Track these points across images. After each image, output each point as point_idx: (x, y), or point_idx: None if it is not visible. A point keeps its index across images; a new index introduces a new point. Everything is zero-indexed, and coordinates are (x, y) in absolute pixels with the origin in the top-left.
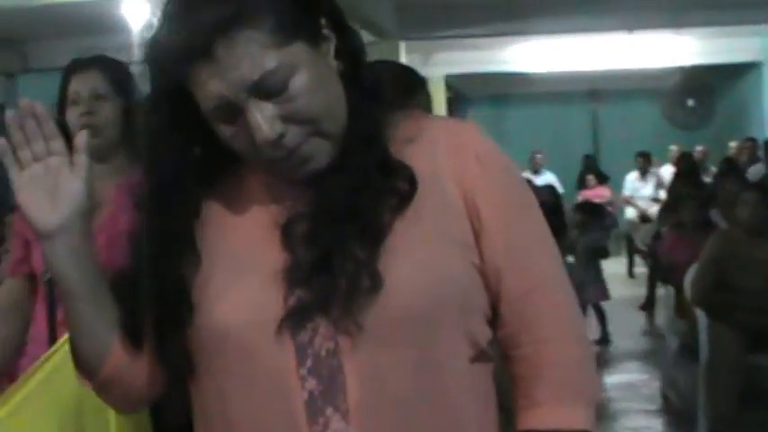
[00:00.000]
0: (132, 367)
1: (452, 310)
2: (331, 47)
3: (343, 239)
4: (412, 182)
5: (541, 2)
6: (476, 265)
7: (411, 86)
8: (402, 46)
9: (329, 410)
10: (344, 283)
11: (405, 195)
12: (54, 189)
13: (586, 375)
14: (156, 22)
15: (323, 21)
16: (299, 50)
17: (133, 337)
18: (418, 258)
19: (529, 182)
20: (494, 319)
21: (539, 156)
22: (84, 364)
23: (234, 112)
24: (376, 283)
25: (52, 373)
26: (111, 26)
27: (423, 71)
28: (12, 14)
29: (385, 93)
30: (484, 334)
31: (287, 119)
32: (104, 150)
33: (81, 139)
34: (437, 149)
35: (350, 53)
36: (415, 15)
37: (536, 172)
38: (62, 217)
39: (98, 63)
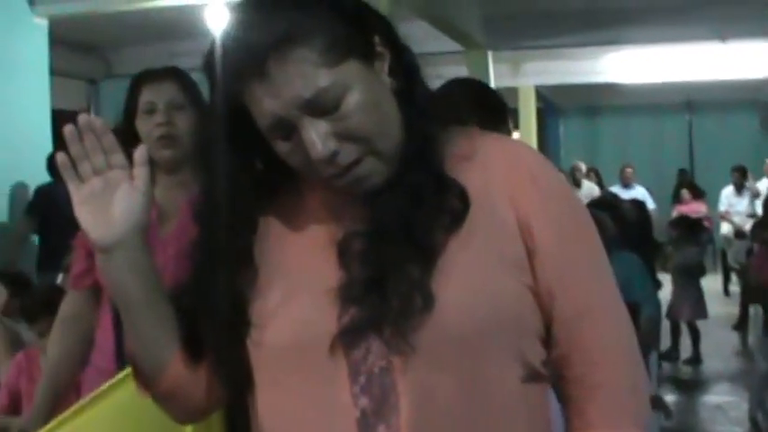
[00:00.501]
0: (191, 379)
1: (503, 331)
2: (385, 64)
3: (397, 259)
4: (465, 200)
5: (633, 11)
6: (528, 286)
7: (493, 108)
8: (490, 56)
9: (381, 428)
10: (397, 303)
11: (457, 214)
12: (113, 204)
13: (638, 400)
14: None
15: (376, 39)
16: (352, 69)
17: (193, 349)
18: (470, 279)
19: (615, 196)
20: (547, 339)
21: (629, 170)
22: (143, 376)
23: (289, 129)
24: (428, 304)
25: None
26: (192, 32)
27: (512, 81)
28: (95, 21)
29: (441, 110)
30: (536, 354)
31: (341, 137)
32: (178, 161)
33: (141, 152)
34: (492, 168)
35: (404, 70)
36: (503, 25)
37: (626, 186)
38: (120, 232)
39: (172, 73)
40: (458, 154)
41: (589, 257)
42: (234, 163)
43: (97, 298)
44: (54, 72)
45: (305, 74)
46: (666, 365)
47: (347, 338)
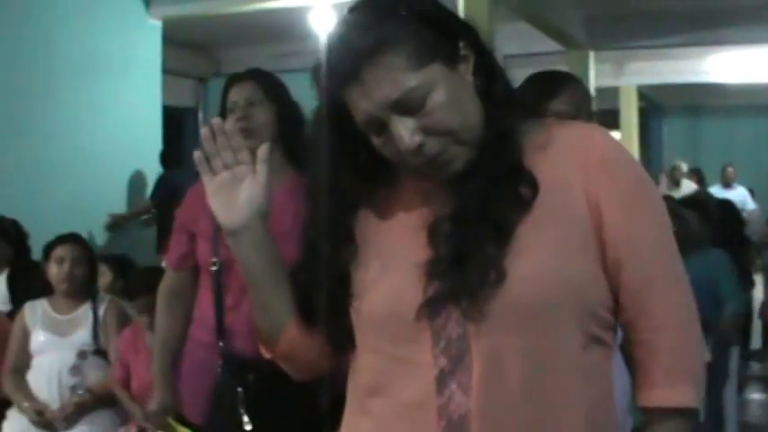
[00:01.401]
0: (305, 342)
1: (566, 303)
2: (469, 66)
3: (475, 240)
4: (535, 187)
5: (738, 11)
6: (596, 262)
7: (551, 89)
8: (591, 55)
9: (454, 385)
10: (474, 278)
11: (527, 200)
12: (238, 194)
13: (696, 360)
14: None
15: (461, 44)
16: (435, 71)
17: (306, 317)
18: (538, 257)
19: (704, 195)
20: (615, 307)
21: (730, 169)
22: (265, 338)
23: (381, 125)
24: (500, 278)
25: None
26: (298, 33)
27: (615, 81)
28: (205, 22)
29: (520, 105)
30: (599, 322)
31: (426, 131)
32: None
33: (263, 150)
34: (565, 155)
35: (487, 71)
36: (605, 25)
37: (727, 186)
38: (244, 217)
39: (252, 74)
40: (535, 144)
41: (654, 232)
42: (338, 155)
43: (196, 278)
44: (166, 70)
45: (393, 78)
46: (756, 365)
47: (430, 308)
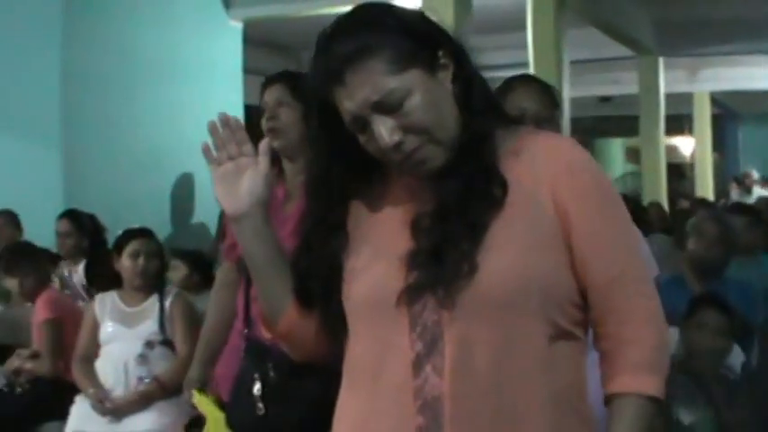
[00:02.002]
0: (303, 324)
1: (533, 296)
2: (449, 73)
3: (451, 235)
4: (505, 189)
5: None
6: (563, 260)
7: (554, 102)
8: (661, 62)
9: (429, 368)
10: (449, 269)
11: (498, 200)
12: (241, 183)
13: (661, 355)
14: None
15: (441, 53)
16: (414, 76)
17: (304, 301)
18: (508, 253)
19: (754, 204)
20: (584, 304)
21: None
22: (266, 319)
23: (364, 124)
24: (473, 270)
25: None
26: None
27: (687, 87)
28: (285, 23)
29: (497, 113)
30: (567, 316)
31: (404, 129)
32: (289, 150)
33: (264, 145)
34: (536, 161)
35: (466, 79)
36: (675, 32)
37: None
38: (246, 205)
39: (282, 76)
40: (509, 150)
41: (618, 234)
42: (329, 152)
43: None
44: (247, 70)
45: (374, 81)
46: None
47: (409, 295)
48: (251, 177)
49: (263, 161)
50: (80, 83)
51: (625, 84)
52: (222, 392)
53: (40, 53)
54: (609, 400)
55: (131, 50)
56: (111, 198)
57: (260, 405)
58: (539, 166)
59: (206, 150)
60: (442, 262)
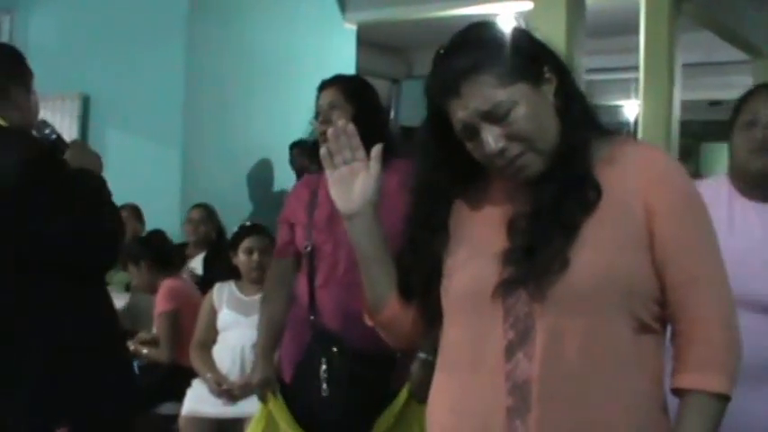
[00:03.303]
0: (402, 315)
1: (619, 292)
2: (552, 87)
3: (545, 234)
4: (598, 193)
5: None
6: (647, 259)
7: None
8: None
9: (520, 354)
10: (541, 265)
11: (592, 203)
12: (354, 185)
13: (730, 356)
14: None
15: (545, 68)
16: (520, 89)
17: (405, 293)
18: (597, 252)
19: None
20: (663, 300)
21: None
22: (369, 308)
23: (473, 132)
24: (564, 266)
25: None
26: None
27: None
28: (399, 26)
29: (595, 124)
30: (648, 311)
31: (509, 137)
32: None
33: (376, 150)
34: (630, 169)
35: (567, 93)
36: None
37: None
38: (358, 205)
39: (336, 80)
40: (604, 158)
41: (699, 239)
42: (434, 156)
43: (297, 265)
44: (361, 72)
45: (485, 93)
46: None
47: (504, 289)
48: (363, 180)
49: (375, 165)
50: (200, 83)
51: (737, 88)
52: (284, 374)
53: (164, 54)
54: (677, 395)
55: (250, 52)
56: (225, 195)
57: (324, 386)
58: (632, 173)
59: (324, 156)
60: (534, 258)
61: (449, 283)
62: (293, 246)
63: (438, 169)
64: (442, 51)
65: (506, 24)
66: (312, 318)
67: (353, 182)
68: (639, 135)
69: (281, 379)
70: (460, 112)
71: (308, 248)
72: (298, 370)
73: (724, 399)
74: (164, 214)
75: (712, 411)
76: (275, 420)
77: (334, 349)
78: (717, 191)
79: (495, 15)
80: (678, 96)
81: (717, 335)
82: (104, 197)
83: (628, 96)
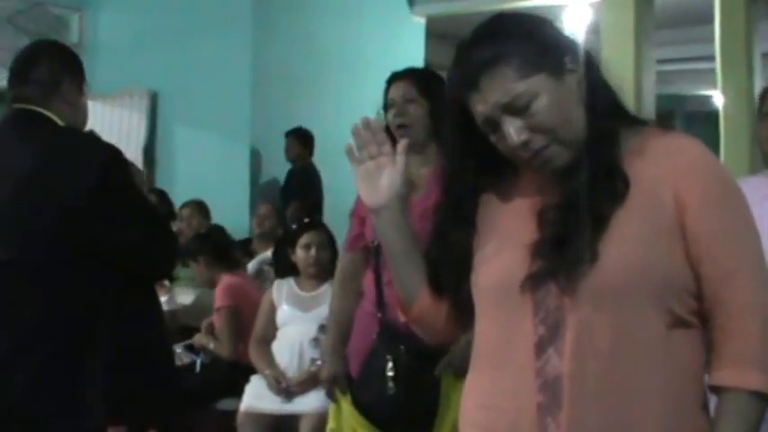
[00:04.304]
0: (435, 310)
1: (651, 285)
2: (574, 77)
3: (575, 226)
4: (627, 184)
5: None
6: (680, 252)
7: None
8: None
9: (551, 350)
10: (571, 258)
11: (620, 194)
12: (380, 179)
13: (766, 349)
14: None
15: (567, 58)
16: (541, 80)
17: (436, 288)
18: (628, 243)
19: None
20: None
21: None
22: (401, 303)
23: (495, 125)
24: (594, 259)
25: None
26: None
27: None
28: (467, 18)
29: (621, 113)
30: (684, 306)
31: (532, 129)
32: (416, 144)
33: (402, 145)
34: (660, 159)
35: (590, 82)
36: None
37: None
38: (384, 198)
39: (409, 73)
40: (633, 149)
41: (734, 231)
42: (463, 151)
43: (367, 258)
44: (429, 65)
45: (504, 86)
46: None
47: (533, 282)
48: (390, 174)
49: (401, 159)
50: (268, 78)
51: None
52: (351, 368)
53: (230, 50)
54: (715, 393)
55: (317, 46)
56: None
57: (391, 384)
58: (662, 164)
59: (349, 151)
60: (564, 251)
61: (478, 277)
62: (363, 239)
63: (464, 162)
64: (463, 44)
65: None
66: (379, 315)
67: (380, 176)
68: (721, 125)
69: (349, 374)
70: (481, 105)
71: (376, 243)
72: (364, 366)
73: (764, 397)
74: (233, 209)
75: (751, 411)
76: (346, 416)
77: (401, 347)
78: (756, 187)
79: (564, 7)
80: (759, 86)
81: (755, 329)
82: (158, 210)
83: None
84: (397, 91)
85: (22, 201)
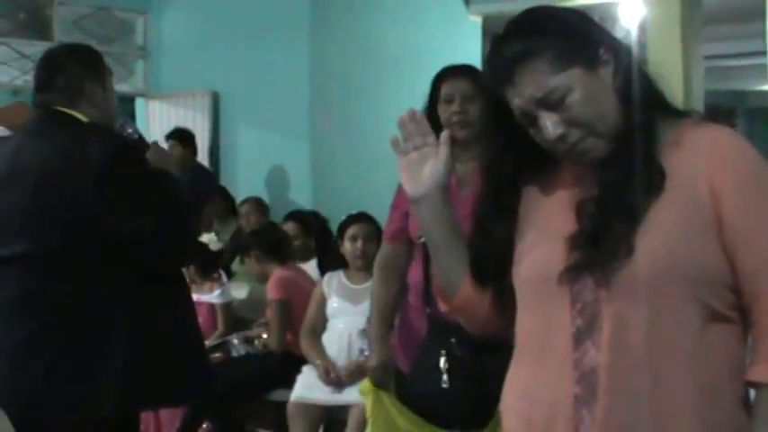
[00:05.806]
0: (477, 300)
1: (687, 278)
2: (610, 69)
3: (611, 219)
4: (662, 176)
5: None
6: (716, 245)
7: None
8: None
9: (588, 343)
10: (607, 250)
11: (656, 187)
12: (423, 170)
13: None
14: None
15: (601, 50)
16: (574, 74)
17: (479, 279)
18: (663, 237)
19: None
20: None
21: None
22: (443, 293)
23: (532, 119)
24: (629, 252)
25: None
26: (608, 27)
27: None
28: None
29: (658, 104)
30: (722, 300)
31: (568, 123)
32: (471, 140)
33: (445, 135)
34: (696, 151)
35: (626, 74)
36: None
37: None
38: (426, 188)
39: (467, 70)
40: (669, 141)
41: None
42: (499, 143)
43: (409, 250)
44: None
45: (538, 80)
46: None
47: (570, 275)
48: (432, 164)
49: (444, 150)
50: (326, 77)
51: None
52: (399, 363)
53: (290, 50)
54: (752, 387)
55: (375, 45)
56: (353, 189)
57: (444, 377)
58: (698, 156)
59: (395, 142)
60: (600, 243)
61: (518, 268)
62: (406, 233)
63: (504, 155)
64: (497, 38)
65: (626, 12)
66: (428, 310)
67: (423, 167)
68: None
69: (398, 368)
70: (517, 99)
71: (423, 239)
72: (417, 362)
73: None
74: (294, 206)
75: None
76: (389, 410)
77: (453, 340)
78: None
79: (616, 4)
80: None
81: None
82: (182, 198)
83: None
84: (456, 87)
85: (38, 196)
